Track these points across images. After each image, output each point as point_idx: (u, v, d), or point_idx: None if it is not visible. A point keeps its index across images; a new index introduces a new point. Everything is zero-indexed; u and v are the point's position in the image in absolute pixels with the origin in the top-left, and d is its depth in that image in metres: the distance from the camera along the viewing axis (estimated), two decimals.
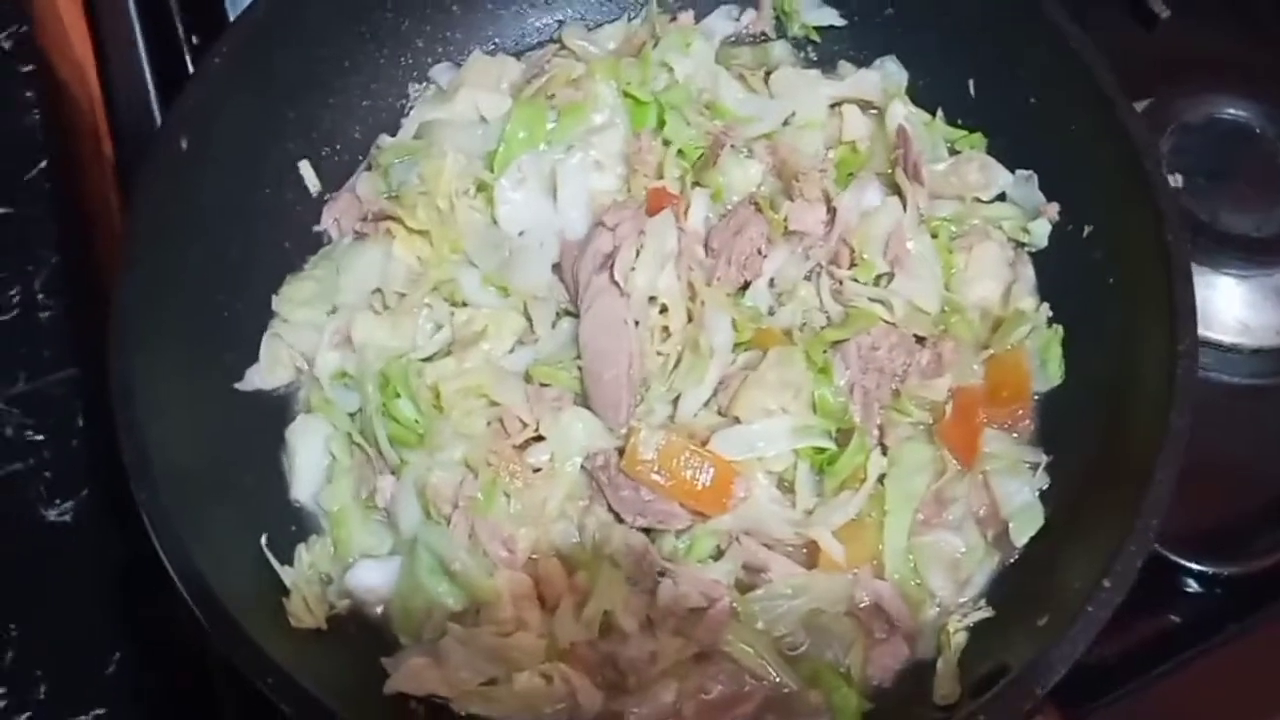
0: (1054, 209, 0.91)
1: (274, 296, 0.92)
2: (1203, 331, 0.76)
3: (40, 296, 1.00)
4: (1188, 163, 1.00)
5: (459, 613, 0.80)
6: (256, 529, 0.81)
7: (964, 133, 0.96)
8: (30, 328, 0.99)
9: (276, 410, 0.90)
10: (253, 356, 0.90)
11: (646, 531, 0.82)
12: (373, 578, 0.83)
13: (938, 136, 0.96)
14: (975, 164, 0.94)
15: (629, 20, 1.05)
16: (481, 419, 0.84)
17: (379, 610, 0.82)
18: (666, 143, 0.93)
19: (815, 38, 1.03)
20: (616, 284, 0.83)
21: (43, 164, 1.04)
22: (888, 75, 0.99)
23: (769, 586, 0.80)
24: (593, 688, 0.76)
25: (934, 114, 0.97)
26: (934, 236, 0.90)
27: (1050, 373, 0.87)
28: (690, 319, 0.86)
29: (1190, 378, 0.72)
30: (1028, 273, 0.91)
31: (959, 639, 0.78)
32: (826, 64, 1.02)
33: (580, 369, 0.85)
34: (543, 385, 0.85)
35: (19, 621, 0.87)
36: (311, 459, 0.87)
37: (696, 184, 0.93)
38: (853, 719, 0.76)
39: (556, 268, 0.91)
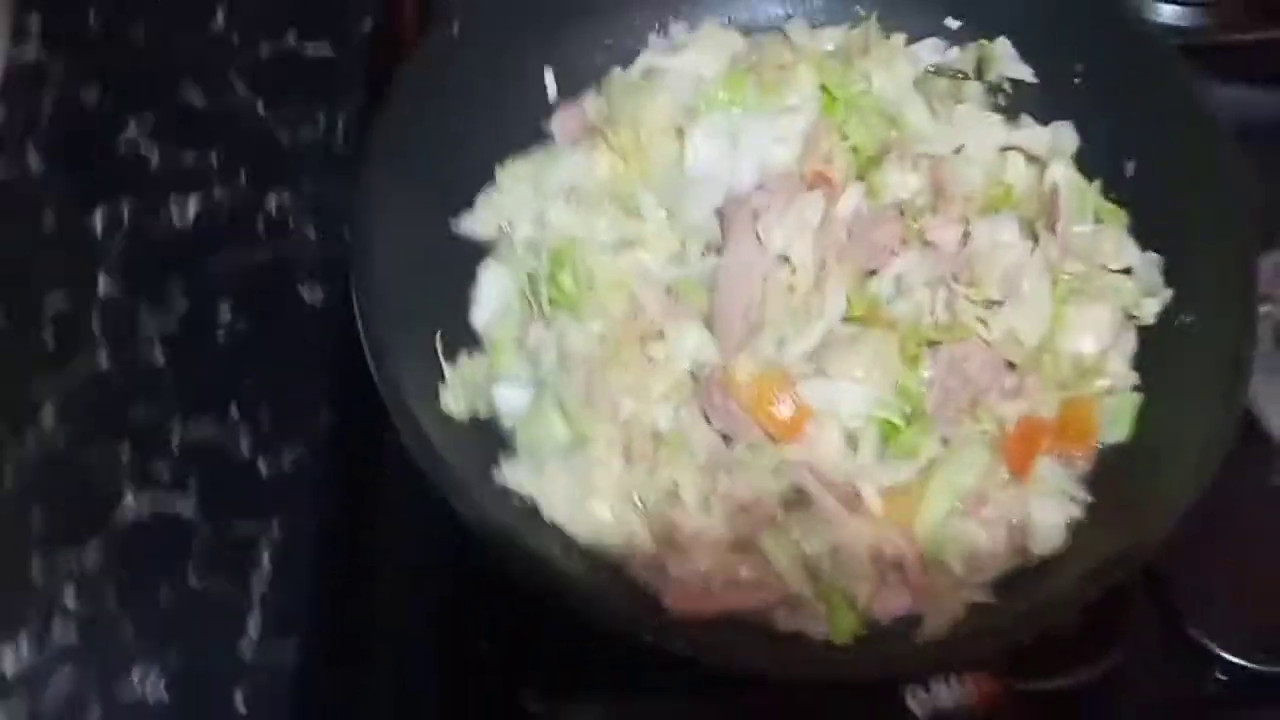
0: (1169, 294, 1.01)
1: (497, 167, 1.14)
2: None
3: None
4: None
5: (564, 444, 0.98)
6: (435, 332, 1.02)
7: (1112, 206, 1.07)
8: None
9: (476, 254, 1.10)
10: (469, 207, 1.12)
11: (725, 438, 0.99)
12: (511, 397, 1.03)
13: (1087, 203, 1.07)
14: (1112, 236, 1.05)
15: (849, 29, 1.19)
16: (621, 306, 1.02)
17: (509, 425, 1.02)
18: (844, 137, 1.09)
19: (1007, 88, 1.15)
20: (758, 236, 1.00)
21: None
22: (1059, 136, 1.10)
23: (811, 510, 0.94)
24: (648, 534, 0.94)
25: (1090, 181, 1.09)
26: (1053, 284, 1.02)
27: (1118, 430, 0.97)
28: (814, 286, 1.02)
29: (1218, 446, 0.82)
30: (1129, 342, 1.01)
31: (956, 609, 0.92)
32: (1010, 113, 1.14)
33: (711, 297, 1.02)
34: (677, 298, 1.03)
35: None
36: (492, 295, 1.07)
37: (859, 178, 1.07)
38: (846, 637, 0.90)
39: (719, 212, 1.07)
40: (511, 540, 0.86)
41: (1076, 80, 1.10)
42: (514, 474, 0.98)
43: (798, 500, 0.96)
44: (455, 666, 1.02)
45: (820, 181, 1.05)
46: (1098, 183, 1.08)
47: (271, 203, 1.19)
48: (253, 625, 0.93)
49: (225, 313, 1.11)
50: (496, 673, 0.99)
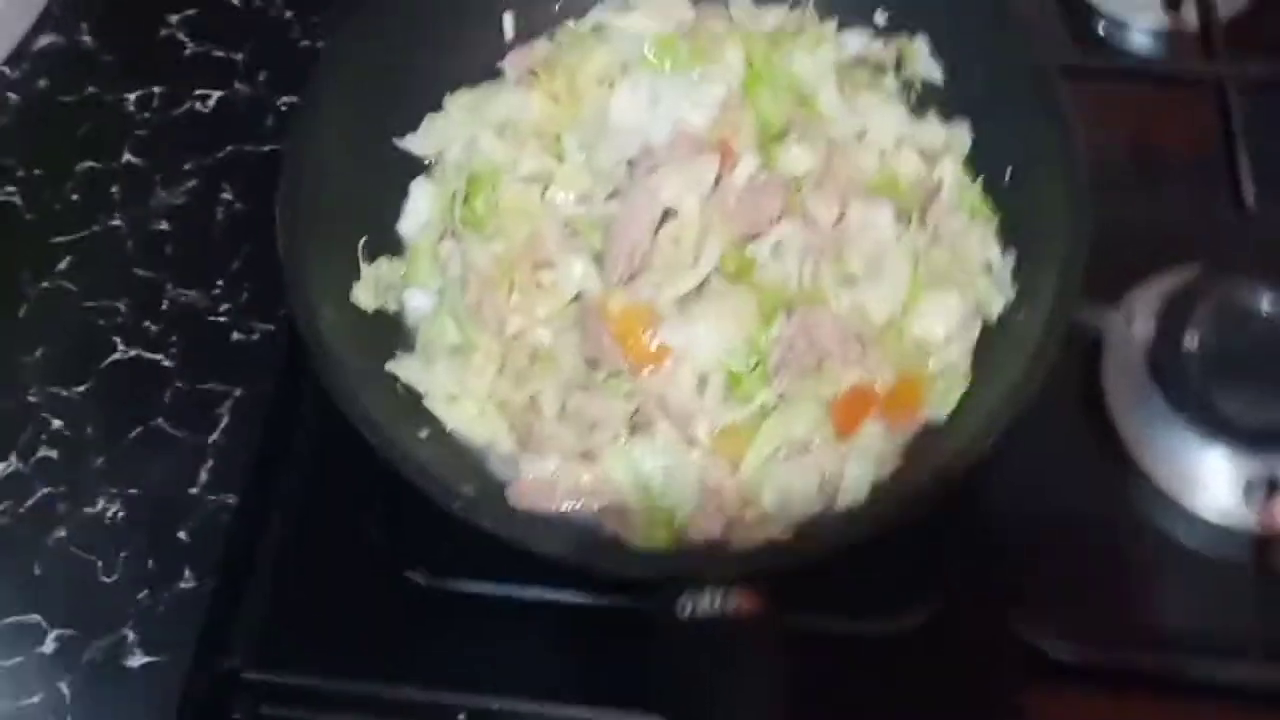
0: (1012, 292, 1.09)
1: (447, 95, 1.25)
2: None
3: None
4: (1212, 340, 1.07)
5: (451, 348, 1.11)
6: (360, 236, 1.15)
7: (986, 210, 1.15)
8: None
9: (411, 169, 1.23)
10: (414, 128, 1.24)
11: (592, 363, 1.10)
12: (418, 300, 1.16)
13: (965, 200, 1.15)
14: (979, 234, 1.13)
15: (789, 9, 1.28)
16: (522, 233, 1.13)
17: (412, 324, 1.15)
18: (754, 110, 1.18)
19: (919, 85, 1.22)
20: (648, 189, 1.10)
21: None
22: (954, 135, 1.18)
23: (652, 434, 1.04)
24: (507, 434, 1.06)
25: (974, 180, 1.17)
26: (914, 269, 1.11)
27: (941, 409, 1.05)
28: (696, 241, 1.12)
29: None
30: (971, 333, 1.09)
31: (757, 541, 1.03)
32: (918, 109, 1.22)
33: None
34: (574, 233, 1.14)
35: None
36: (419, 208, 1.20)
37: (760, 149, 1.17)
38: (664, 544, 1.02)
39: (630, 163, 1.18)
40: (370, 419, 0.98)
41: (978, 85, 1.17)
42: (405, 367, 1.11)
43: (643, 424, 1.07)
44: (349, 544, 1.14)
45: (722, 148, 1.14)
46: (979, 182, 1.16)
47: (283, 103, 1.37)
48: (204, 470, 1.11)
49: (227, 195, 1.29)
50: (386, 554, 1.12)
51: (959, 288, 1.09)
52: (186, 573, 1.04)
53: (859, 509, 1.01)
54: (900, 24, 1.24)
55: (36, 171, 1.28)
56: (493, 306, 1.12)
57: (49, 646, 1.00)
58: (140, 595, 1.03)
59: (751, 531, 1.02)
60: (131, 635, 1.01)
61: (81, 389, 1.14)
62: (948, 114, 1.21)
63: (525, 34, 1.31)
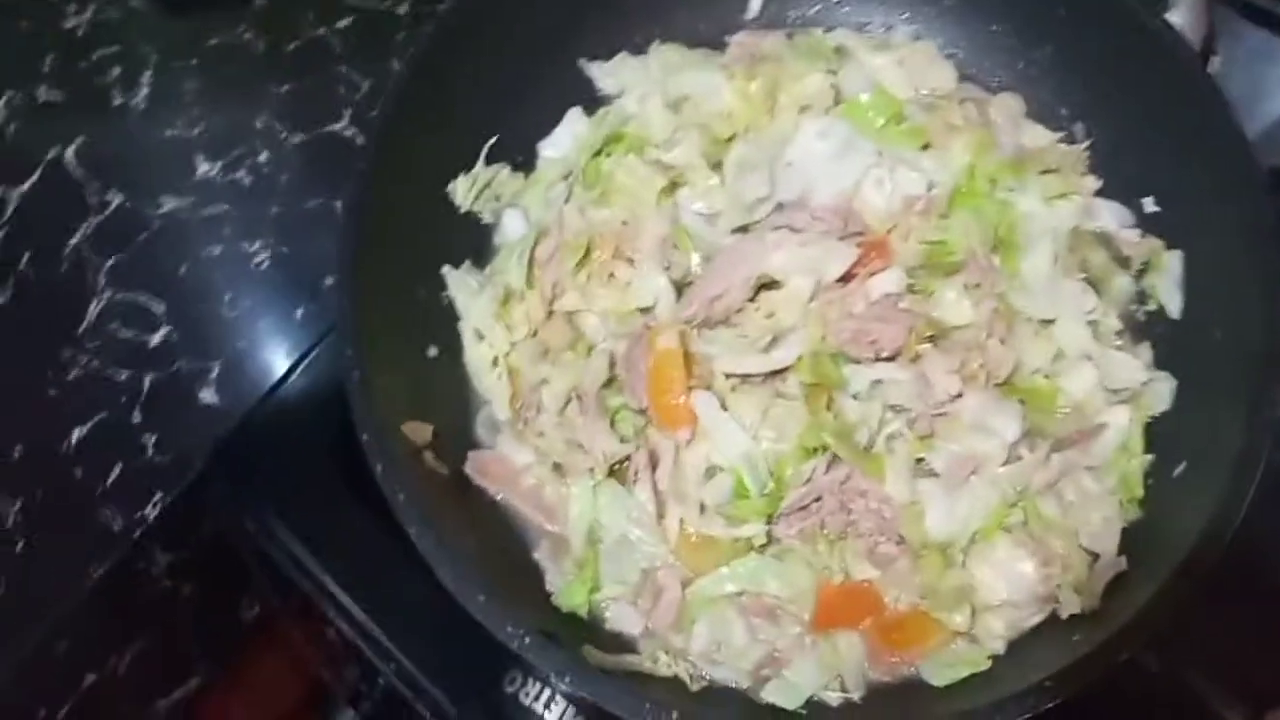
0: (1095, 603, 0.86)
1: (657, 41, 1.12)
2: None
3: None
4: None
5: (510, 289, 1.00)
6: (492, 135, 1.06)
7: (1134, 493, 0.91)
8: None
9: (579, 95, 1.12)
10: (606, 57, 1.12)
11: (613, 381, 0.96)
12: (514, 222, 1.07)
13: (1118, 469, 0.91)
14: (1104, 517, 0.88)
15: (1059, 140, 1.06)
16: (622, 214, 1.00)
17: (497, 241, 1.07)
18: (943, 227, 0.97)
19: (1150, 306, 0.99)
20: (763, 244, 0.93)
21: None
22: (1155, 388, 0.94)
23: (630, 492, 0.91)
24: (507, 400, 0.95)
25: (1143, 452, 0.93)
26: (1001, 507, 0.88)
27: (937, 676, 0.84)
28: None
29: None
30: (1022, 621, 0.87)
31: (662, 662, 0.87)
32: (1132, 334, 0.99)
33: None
34: (675, 246, 0.99)
35: None
36: (565, 138, 1.09)
37: (915, 269, 0.96)
38: (565, 605, 0.89)
39: (780, 206, 1.01)
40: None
41: (1210, 344, 0.92)
42: (458, 277, 1.02)
43: (625, 476, 0.93)
44: None
45: (876, 246, 0.95)
46: (1146, 459, 0.91)
47: None
48: None
49: None
50: None
51: (1043, 559, 0.87)
52: None
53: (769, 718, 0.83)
54: (1167, 225, 0.99)
55: None
56: (559, 270, 0.99)
57: None
58: None
59: (659, 652, 0.87)
60: None
61: None
62: (1161, 359, 0.96)
63: (767, 19, 1.14)
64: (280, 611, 1.12)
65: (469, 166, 1.05)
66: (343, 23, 1.48)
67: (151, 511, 1.14)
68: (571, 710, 0.81)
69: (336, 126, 1.42)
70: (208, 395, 1.22)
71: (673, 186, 1.02)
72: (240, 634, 1.20)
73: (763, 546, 0.88)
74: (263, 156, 1.40)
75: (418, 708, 0.93)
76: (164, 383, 1.22)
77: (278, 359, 1.24)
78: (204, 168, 1.36)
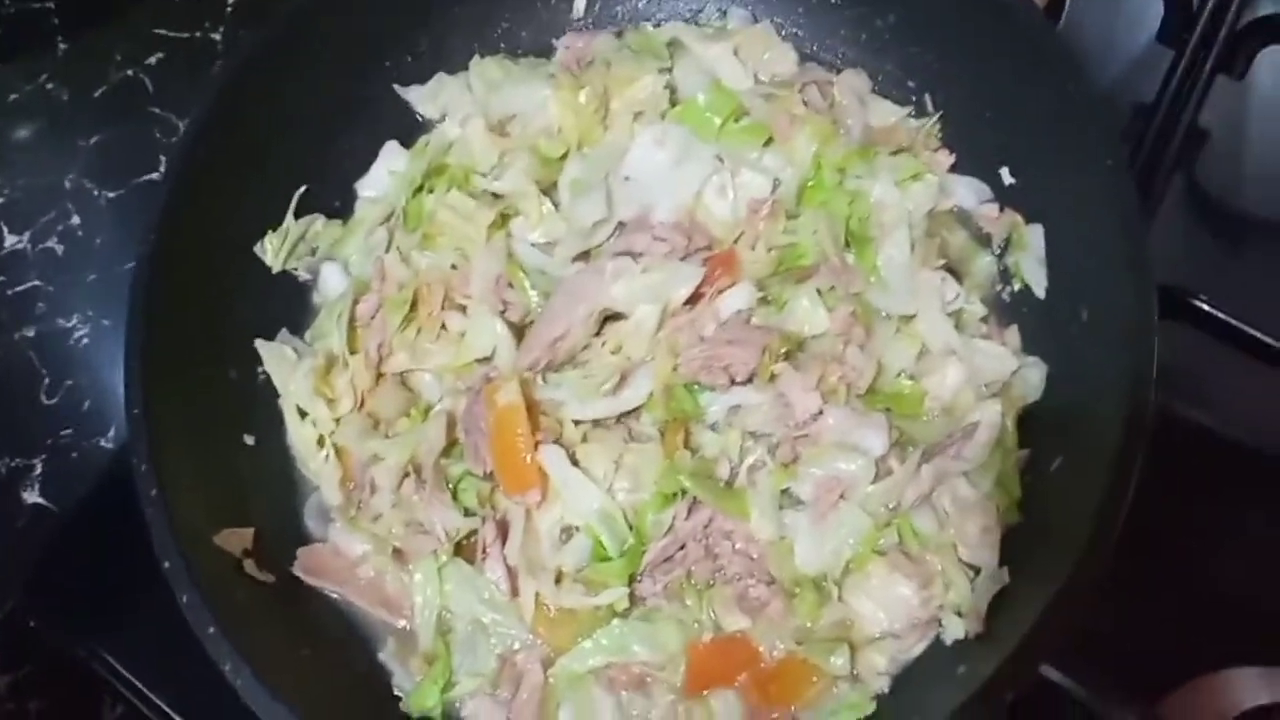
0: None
1: (476, 55, 1.04)
2: None
3: None
4: None
5: (332, 355, 0.92)
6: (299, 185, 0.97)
7: (1010, 496, 0.86)
8: None
9: (394, 128, 1.03)
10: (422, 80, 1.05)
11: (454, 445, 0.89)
12: (334, 278, 0.98)
13: (991, 470, 0.85)
14: (982, 525, 0.83)
15: (908, 115, 1.00)
16: (449, 258, 0.93)
17: (317, 301, 0.98)
18: (791, 230, 0.91)
19: (1014, 286, 0.94)
20: (603, 275, 0.85)
21: None
22: (1027, 376, 0.89)
23: (479, 570, 0.84)
24: (337, 484, 0.88)
25: (1017, 449, 0.88)
26: (873, 527, 0.83)
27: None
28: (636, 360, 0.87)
29: None
30: (905, 652, 0.82)
31: None
32: (998, 317, 0.94)
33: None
34: (509, 285, 0.91)
35: None
36: (383, 174, 1.01)
37: (764, 279, 0.90)
38: (417, 709, 0.82)
39: (621, 225, 0.93)
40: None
41: (1075, 328, 0.87)
42: (272, 351, 0.93)
43: (473, 554, 0.86)
44: None
45: (723, 261, 0.88)
46: (1021, 455, 0.87)
47: None
48: None
49: None
50: None
51: (922, 580, 0.81)
52: None
53: None
54: (1027, 197, 0.94)
55: None
56: (384, 330, 0.91)
57: None
58: None
59: None
60: None
61: None
62: (1029, 343, 0.91)
63: (593, 18, 1.06)
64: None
65: (278, 222, 0.96)
66: (153, 58, 1.37)
67: None
68: None
69: (153, 175, 1.32)
70: (32, 496, 1.12)
71: (503, 219, 0.94)
72: None
73: (626, 610, 0.82)
74: (74, 219, 1.29)
75: None
76: None
77: (107, 444, 1.14)
78: (11, 240, 1.26)
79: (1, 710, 1.08)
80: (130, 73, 1.37)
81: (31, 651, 1.07)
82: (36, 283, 1.25)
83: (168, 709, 0.89)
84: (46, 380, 1.20)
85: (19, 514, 1.12)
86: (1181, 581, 0.90)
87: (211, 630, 0.73)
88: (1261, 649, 0.84)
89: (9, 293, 1.24)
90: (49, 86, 1.37)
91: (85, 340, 1.22)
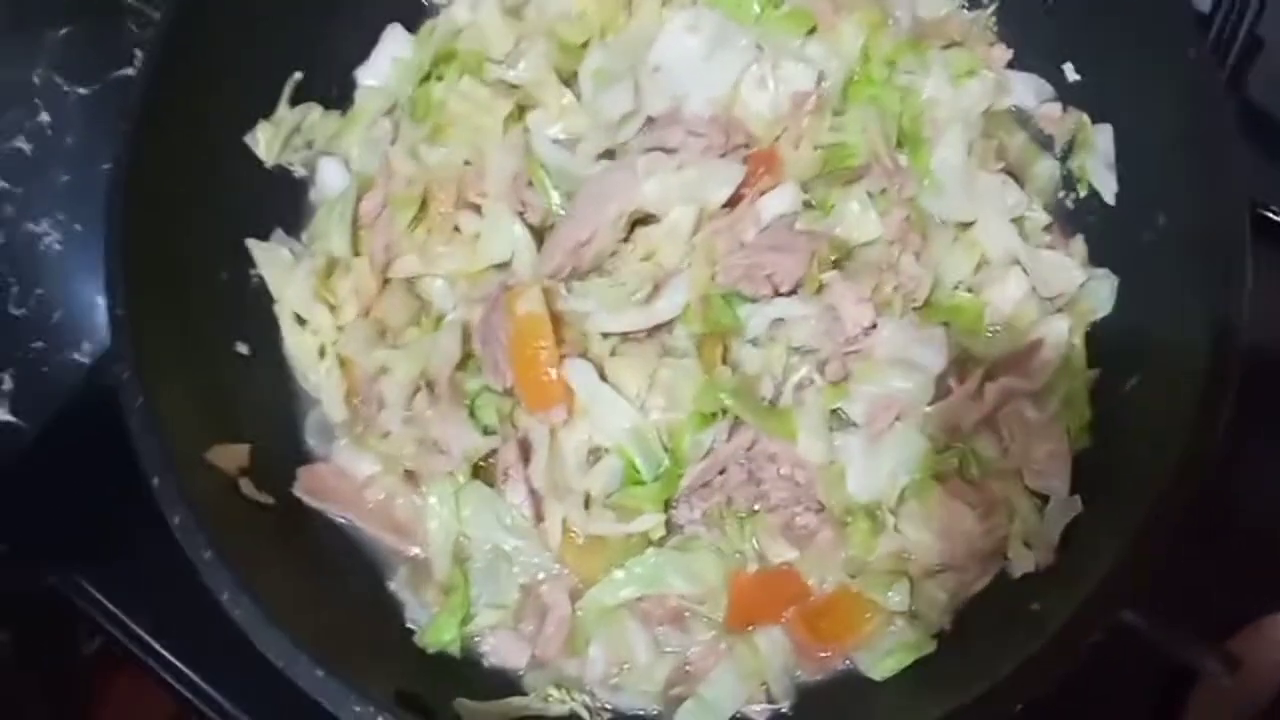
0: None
1: None
2: None
3: None
4: None
5: (330, 259, 0.83)
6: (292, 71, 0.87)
7: (1082, 419, 0.78)
8: None
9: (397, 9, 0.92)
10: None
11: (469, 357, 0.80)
12: (332, 172, 0.88)
13: (1062, 390, 0.78)
14: (1051, 450, 0.76)
15: (961, 6, 0.90)
16: (461, 153, 0.83)
17: (313, 198, 0.89)
18: (837, 127, 0.82)
19: (1080, 192, 0.85)
20: (634, 171, 0.76)
21: None
22: (1095, 287, 0.80)
23: (499, 494, 0.77)
24: (341, 397, 0.79)
25: (1089, 369, 0.80)
26: (931, 452, 0.75)
27: (878, 664, 0.72)
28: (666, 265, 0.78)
29: None
30: (966, 588, 0.74)
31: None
32: (1064, 225, 0.85)
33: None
34: (529, 184, 0.82)
35: None
36: (384, 61, 0.91)
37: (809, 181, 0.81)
38: (433, 644, 0.75)
39: (650, 121, 0.84)
40: None
41: (1149, 237, 0.78)
42: (267, 251, 0.83)
43: (492, 476, 0.77)
44: None
45: (764, 159, 0.79)
46: (1092, 374, 0.79)
47: None
48: None
49: None
50: None
51: (985, 509, 0.74)
52: None
53: None
54: (1093, 95, 0.85)
55: None
56: (390, 230, 0.82)
57: None
58: None
59: (553, 697, 0.73)
60: None
61: None
62: (1097, 254, 0.83)
63: None
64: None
65: (270, 111, 0.86)
66: None
67: None
68: None
69: (128, 70, 1.18)
70: (1, 412, 1.03)
71: (521, 111, 0.85)
72: (90, 668, 1.04)
73: (662, 539, 0.75)
74: (43, 117, 1.17)
75: None
76: None
77: (81, 358, 1.04)
78: None
79: None
80: None
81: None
82: (3, 184, 1.14)
83: (151, 640, 0.80)
84: (15, 289, 1.09)
85: None
86: (1243, 519, 0.84)
87: (208, 555, 0.64)
88: None
89: None
90: None
91: (57, 246, 1.11)
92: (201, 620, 0.77)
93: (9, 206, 1.12)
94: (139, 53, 1.18)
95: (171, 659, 0.82)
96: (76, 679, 1.08)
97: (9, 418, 1.03)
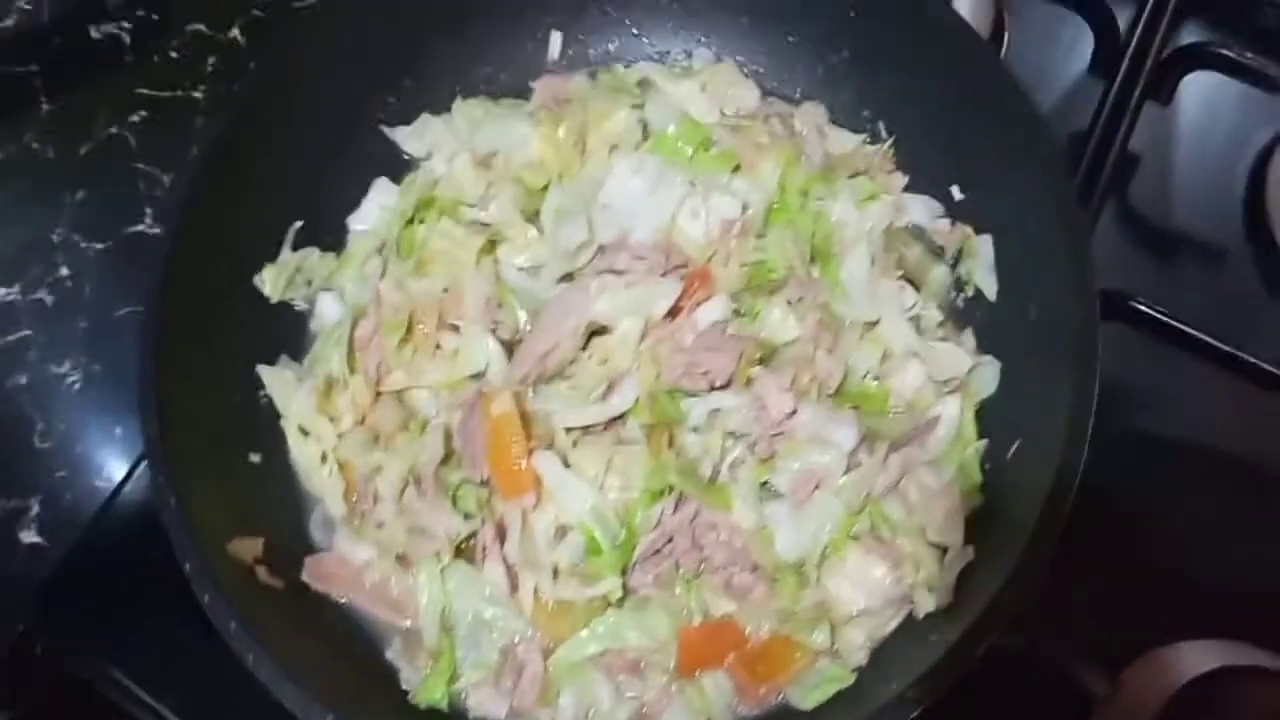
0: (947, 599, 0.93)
1: (459, 99, 1.19)
2: None
3: None
4: None
5: (330, 377, 1.03)
6: (294, 220, 1.10)
7: (974, 480, 0.99)
8: None
9: (381, 165, 1.17)
10: (408, 120, 1.18)
11: (450, 457, 1.00)
12: (330, 306, 1.10)
13: (955, 458, 1.00)
14: (948, 507, 0.96)
15: (864, 143, 1.16)
16: (440, 282, 1.05)
17: (314, 328, 1.10)
18: (762, 248, 1.05)
19: (968, 292, 1.09)
20: (587, 291, 0.99)
21: None
22: (981, 373, 1.03)
23: (479, 570, 0.95)
24: (341, 495, 0.98)
25: (978, 439, 1.02)
26: (847, 513, 0.95)
27: (806, 698, 0.90)
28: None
29: None
30: (881, 628, 0.93)
31: None
32: (954, 321, 1.09)
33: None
34: (499, 305, 1.04)
35: None
36: (373, 210, 1.14)
37: (738, 292, 1.03)
38: (425, 701, 0.92)
39: (601, 249, 1.07)
40: None
41: (1024, 326, 1.01)
42: (274, 375, 1.05)
43: (472, 555, 0.97)
44: None
45: (699, 276, 1.02)
46: (980, 445, 1.00)
47: None
48: None
49: None
50: None
51: (894, 561, 0.94)
52: None
53: None
54: (976, 211, 1.09)
55: None
56: (381, 350, 1.04)
57: None
58: None
59: None
60: None
61: None
62: (983, 343, 1.05)
63: (568, 62, 1.22)
64: None
65: (275, 255, 1.09)
66: (136, 116, 1.50)
67: None
68: None
69: (140, 227, 1.44)
70: (29, 536, 1.22)
71: (491, 245, 1.08)
72: None
73: (620, 600, 0.94)
74: (64, 270, 1.41)
75: None
76: None
77: (102, 484, 1.24)
78: (0, 292, 1.37)
79: None
80: (114, 130, 1.50)
81: (31, 689, 1.16)
82: (27, 332, 1.36)
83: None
84: (40, 425, 1.30)
85: (16, 553, 1.21)
86: (1136, 558, 1.03)
87: (233, 625, 0.83)
88: (1208, 622, 0.98)
89: (0, 343, 1.35)
90: (34, 146, 1.49)
91: (77, 385, 1.33)
92: (219, 697, 0.96)
93: (33, 351, 1.35)
94: (149, 210, 1.44)
95: None
96: None
97: (37, 539, 1.23)
